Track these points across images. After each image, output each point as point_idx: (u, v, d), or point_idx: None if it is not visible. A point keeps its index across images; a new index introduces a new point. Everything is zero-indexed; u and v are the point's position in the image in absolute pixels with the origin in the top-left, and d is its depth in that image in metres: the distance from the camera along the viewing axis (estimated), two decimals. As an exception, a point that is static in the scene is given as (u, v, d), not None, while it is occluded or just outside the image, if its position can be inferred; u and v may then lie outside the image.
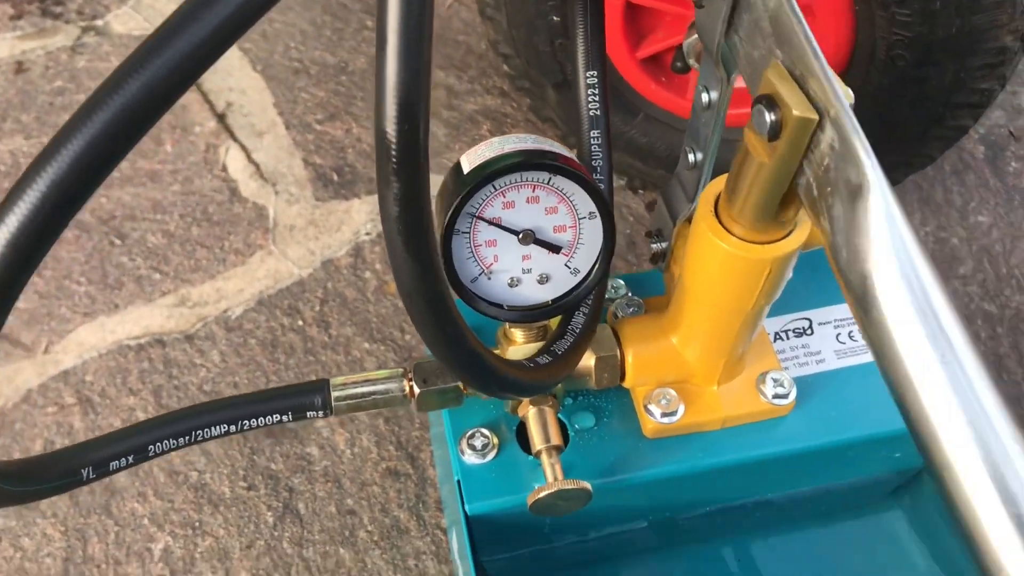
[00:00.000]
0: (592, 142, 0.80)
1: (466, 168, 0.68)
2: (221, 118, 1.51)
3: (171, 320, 1.25)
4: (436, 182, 1.39)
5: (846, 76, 1.12)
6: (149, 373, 1.19)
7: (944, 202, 1.41)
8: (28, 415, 1.16)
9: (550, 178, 0.68)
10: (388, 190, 0.49)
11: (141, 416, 1.16)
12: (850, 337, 0.90)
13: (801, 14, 0.55)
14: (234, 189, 1.41)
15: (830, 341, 0.90)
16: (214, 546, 1.05)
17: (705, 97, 0.74)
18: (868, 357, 0.88)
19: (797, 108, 0.52)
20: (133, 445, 0.70)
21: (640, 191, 1.40)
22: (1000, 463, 0.42)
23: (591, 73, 0.80)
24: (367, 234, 1.37)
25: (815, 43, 0.54)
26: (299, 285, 1.29)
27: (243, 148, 1.47)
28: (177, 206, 1.39)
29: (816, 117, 0.52)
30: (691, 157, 0.79)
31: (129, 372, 1.20)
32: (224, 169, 1.44)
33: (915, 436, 0.44)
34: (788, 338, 0.90)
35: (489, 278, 0.71)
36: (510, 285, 0.71)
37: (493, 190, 0.67)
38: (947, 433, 0.43)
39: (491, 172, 0.66)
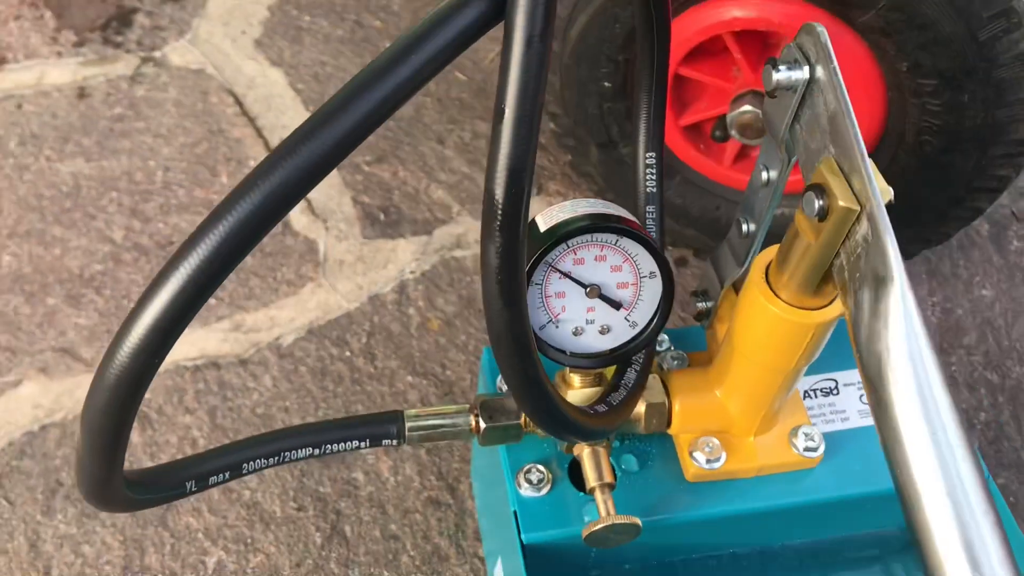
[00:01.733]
0: (648, 216, 0.89)
1: (542, 226, 0.76)
2: (275, 154, 1.59)
3: (226, 344, 1.32)
4: (479, 226, 1.48)
5: (875, 155, 1.21)
6: (204, 394, 1.26)
7: (951, 275, 1.49)
8: (88, 427, 1.23)
9: (617, 239, 0.76)
10: (491, 243, 0.58)
11: (196, 435, 1.23)
12: (873, 398, 0.98)
13: (855, 120, 0.64)
14: (286, 222, 1.49)
15: (854, 401, 0.98)
16: (265, 563, 1.11)
17: (764, 175, 0.82)
18: (889, 418, 0.96)
19: (842, 199, 0.61)
20: (230, 462, 0.77)
21: (670, 247, 1.49)
22: (970, 530, 0.49)
23: (650, 154, 0.88)
24: (411, 272, 1.44)
25: (863, 145, 0.63)
26: (347, 317, 1.37)
27: (295, 184, 1.54)
28: (232, 236, 1.46)
29: (857, 208, 0.60)
30: (744, 227, 0.87)
31: (185, 392, 1.26)
32: (277, 203, 1.52)
33: (900, 496, 0.52)
34: (816, 396, 0.98)
35: (556, 326, 0.78)
36: (574, 334, 0.79)
37: (566, 247, 0.75)
38: (928, 499, 0.50)
39: (566, 232, 0.74)
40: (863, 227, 0.60)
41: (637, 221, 0.79)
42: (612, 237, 0.76)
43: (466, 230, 1.52)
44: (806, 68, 0.71)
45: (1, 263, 1.41)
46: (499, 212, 0.56)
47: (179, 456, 1.20)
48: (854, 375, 0.99)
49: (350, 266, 1.44)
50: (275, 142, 1.61)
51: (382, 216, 1.52)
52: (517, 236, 0.57)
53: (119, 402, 0.54)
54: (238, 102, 1.67)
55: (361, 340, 1.34)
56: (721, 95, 1.25)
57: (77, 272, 1.40)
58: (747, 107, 1.17)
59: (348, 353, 1.32)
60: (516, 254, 0.58)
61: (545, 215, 0.77)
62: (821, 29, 0.71)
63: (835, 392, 0.98)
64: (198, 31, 1.80)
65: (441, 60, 0.54)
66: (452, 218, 1.53)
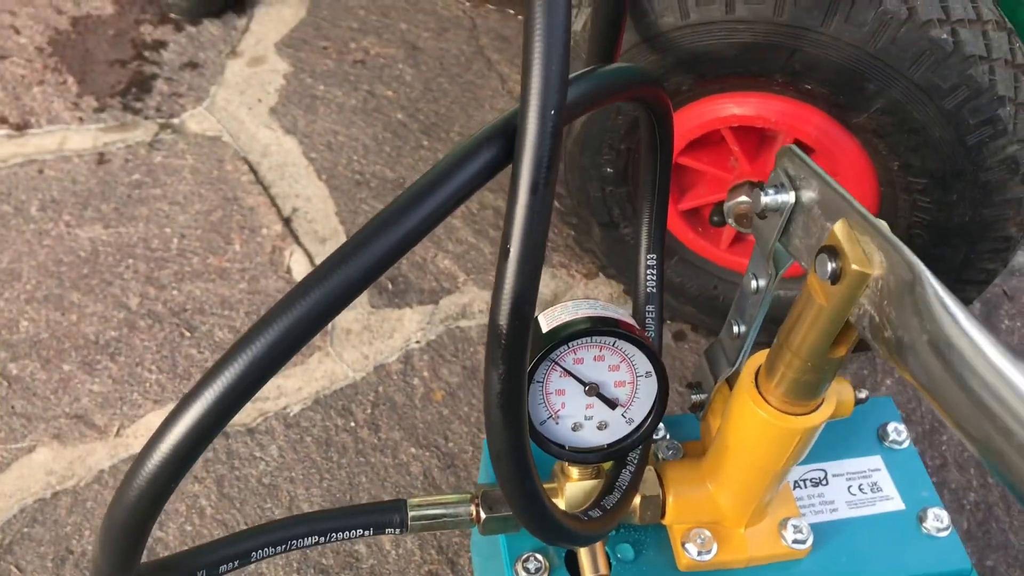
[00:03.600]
0: (647, 315, 0.93)
1: (544, 327, 0.80)
2: (287, 222, 1.64)
3: (235, 413, 1.35)
4: (484, 296, 1.52)
5: (867, 244, 1.25)
6: (212, 463, 1.30)
7: (948, 352, 1.52)
8: (99, 495, 1.26)
9: (615, 341, 0.80)
10: (494, 369, 0.62)
11: (204, 504, 1.26)
12: (860, 490, 1.01)
13: (845, 191, 0.68)
14: (296, 291, 1.53)
15: (842, 492, 1.01)
16: (267, 633, 1.14)
17: (754, 284, 0.86)
18: (877, 508, 0.99)
19: (856, 263, 0.63)
20: (239, 551, 0.80)
21: (669, 321, 1.53)
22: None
23: (651, 256, 0.93)
24: (417, 343, 1.48)
25: (861, 207, 0.66)
26: (352, 387, 1.41)
27: (306, 252, 1.59)
28: (243, 303, 1.51)
29: (872, 272, 0.63)
30: (735, 329, 0.91)
31: (194, 460, 1.30)
32: (288, 271, 1.56)
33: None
34: (805, 487, 1.01)
35: (556, 422, 0.82)
36: (573, 429, 0.83)
37: (567, 348, 0.79)
38: None
39: (568, 334, 0.78)
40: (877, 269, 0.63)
41: (635, 324, 0.83)
42: (611, 339, 0.80)
43: (471, 300, 1.56)
44: (791, 193, 0.76)
45: (19, 328, 1.45)
46: (503, 341, 0.60)
47: (187, 526, 1.24)
48: (843, 466, 1.03)
49: (357, 335, 1.48)
50: (288, 211, 1.66)
51: (390, 285, 1.56)
52: (520, 364, 0.62)
53: (137, 520, 0.57)
54: (252, 170, 1.73)
55: (366, 411, 1.38)
56: (719, 183, 1.29)
57: (93, 338, 1.44)
58: (743, 198, 1.22)
59: (353, 424, 1.36)
60: (518, 380, 0.63)
61: (548, 315, 0.81)
62: (796, 150, 0.76)
63: (824, 483, 1.01)
64: (215, 98, 1.86)
65: (453, 203, 0.58)
66: (458, 288, 1.58)
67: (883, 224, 0.66)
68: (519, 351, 0.62)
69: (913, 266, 0.60)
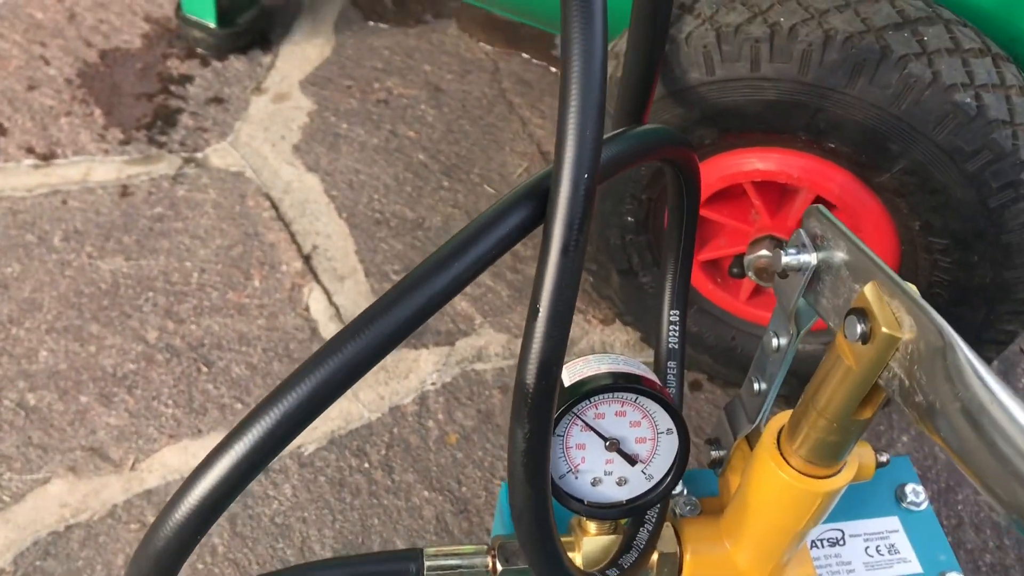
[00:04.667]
0: (669, 371, 0.93)
1: (567, 381, 0.80)
2: (307, 259, 1.65)
3: (250, 451, 1.36)
4: (500, 339, 1.51)
5: (886, 301, 1.25)
6: (226, 500, 1.30)
7: (964, 409, 1.52)
8: (112, 529, 1.26)
9: (637, 397, 0.80)
10: (519, 428, 0.62)
11: (216, 542, 1.26)
12: (877, 551, 1.00)
13: (874, 254, 0.68)
14: (315, 329, 1.54)
15: (860, 553, 1.00)
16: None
17: (775, 343, 0.86)
18: (894, 571, 0.99)
19: (886, 326, 0.64)
20: (256, 597, 0.80)
21: (685, 370, 1.52)
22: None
23: (674, 312, 0.93)
24: (432, 384, 1.48)
25: (891, 271, 0.67)
26: (367, 428, 1.41)
27: (325, 291, 1.60)
28: (261, 340, 1.51)
29: (902, 336, 0.63)
30: (755, 386, 0.91)
31: (208, 497, 1.30)
32: (307, 309, 1.57)
33: None
34: (823, 546, 1.00)
35: (576, 476, 0.82)
36: (592, 484, 0.83)
37: (588, 402, 0.79)
38: None
39: (590, 389, 0.78)
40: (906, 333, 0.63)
41: (657, 380, 0.83)
42: (632, 395, 0.80)
43: (487, 342, 1.56)
44: (814, 254, 0.76)
45: (39, 358, 1.46)
46: (529, 400, 0.61)
47: (198, 564, 1.24)
48: (860, 526, 1.02)
49: (373, 375, 1.49)
50: (308, 248, 1.67)
51: (407, 326, 1.56)
52: (545, 423, 0.62)
53: (162, 570, 0.58)
54: (274, 206, 1.74)
55: (380, 452, 1.38)
56: (739, 235, 1.30)
57: (110, 371, 1.45)
58: (764, 252, 1.22)
59: (367, 465, 1.36)
60: (543, 439, 0.63)
61: (570, 368, 0.81)
62: (824, 211, 0.76)
63: (841, 543, 1.01)
64: (239, 134, 1.88)
65: (486, 261, 0.59)
66: (474, 330, 1.58)
67: (913, 289, 0.66)
68: (545, 411, 0.62)
69: (944, 332, 0.60)
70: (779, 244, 0.79)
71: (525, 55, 2.14)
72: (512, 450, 0.63)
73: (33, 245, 1.62)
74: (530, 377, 0.60)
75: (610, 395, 0.79)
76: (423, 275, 0.57)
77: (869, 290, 0.68)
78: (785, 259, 0.77)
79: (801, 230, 0.78)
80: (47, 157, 1.78)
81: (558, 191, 0.57)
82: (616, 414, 0.81)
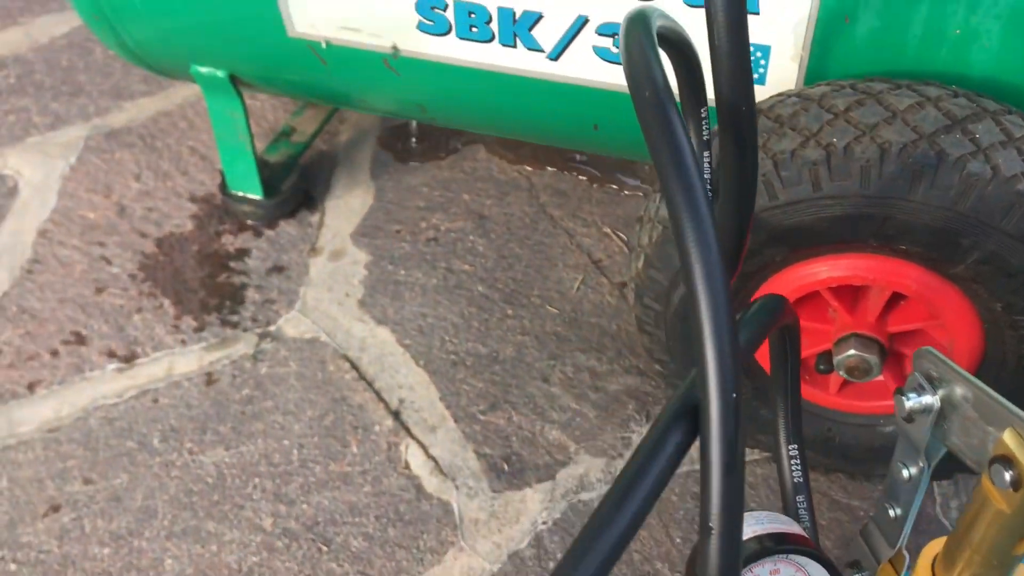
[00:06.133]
0: (799, 506, 0.96)
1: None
2: (396, 415, 1.70)
3: (386, 626, 1.39)
4: (598, 464, 1.53)
5: (978, 375, 1.27)
6: None
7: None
8: None
9: (787, 556, 0.83)
10: None
11: None
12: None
13: (998, 395, 0.71)
14: (419, 486, 1.58)
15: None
16: None
17: (905, 473, 0.89)
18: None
19: None
20: None
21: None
22: None
23: (793, 446, 0.96)
24: (544, 523, 1.51)
25: (1021, 413, 0.69)
26: (492, 581, 1.44)
27: (420, 444, 1.64)
28: (371, 508, 1.55)
29: None
30: (891, 512, 0.93)
31: None
32: (407, 467, 1.61)
33: None
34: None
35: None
36: (754, 642, 0.85)
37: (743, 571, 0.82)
38: None
39: (744, 558, 0.81)
40: None
41: (802, 531, 0.86)
42: (783, 555, 0.83)
43: (587, 469, 1.59)
44: (936, 395, 0.80)
45: (165, 566, 1.50)
46: None
47: None
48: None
49: (485, 524, 1.52)
50: (395, 404, 1.72)
51: (506, 466, 1.60)
52: None
53: None
54: (354, 366, 1.79)
55: (511, 603, 1.40)
56: (820, 335, 1.33)
57: (236, 567, 1.49)
58: (852, 351, 1.25)
59: (501, 619, 1.38)
60: None
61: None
62: (935, 352, 0.80)
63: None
64: (306, 299, 1.94)
65: (655, 494, 0.63)
66: (571, 459, 1.61)
67: None
68: None
69: None
70: (899, 393, 0.82)
71: (551, 168, 2.20)
72: None
73: (135, 451, 1.68)
74: None
75: (760, 559, 0.82)
76: (603, 519, 0.61)
77: (1010, 437, 0.71)
78: (909, 404, 0.80)
79: (916, 372, 0.82)
80: (129, 359, 1.85)
81: (709, 416, 0.61)
82: (771, 573, 0.84)
